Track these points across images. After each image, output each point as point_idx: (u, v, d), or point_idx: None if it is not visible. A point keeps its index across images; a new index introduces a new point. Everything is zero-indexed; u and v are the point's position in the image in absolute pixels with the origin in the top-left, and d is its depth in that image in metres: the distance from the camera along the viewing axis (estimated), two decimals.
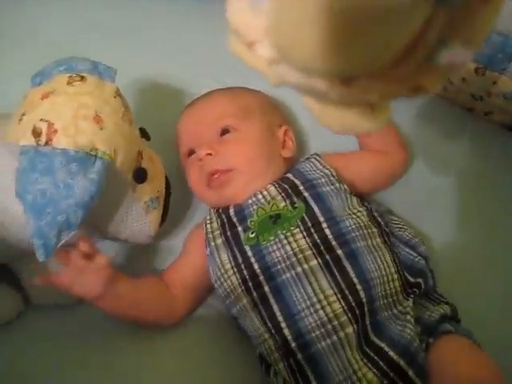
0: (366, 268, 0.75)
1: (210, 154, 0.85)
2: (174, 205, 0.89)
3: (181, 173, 0.94)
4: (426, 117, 1.04)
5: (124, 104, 0.77)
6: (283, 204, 0.80)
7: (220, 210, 0.85)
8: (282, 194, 0.81)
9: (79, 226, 0.69)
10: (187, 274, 0.85)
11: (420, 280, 0.80)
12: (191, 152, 0.89)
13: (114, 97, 0.76)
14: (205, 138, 0.87)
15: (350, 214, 0.79)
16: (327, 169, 0.85)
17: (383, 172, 0.92)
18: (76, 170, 0.68)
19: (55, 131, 0.69)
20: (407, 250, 0.82)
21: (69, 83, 0.73)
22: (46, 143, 0.68)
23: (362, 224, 0.79)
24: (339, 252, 0.75)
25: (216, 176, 0.85)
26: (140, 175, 0.78)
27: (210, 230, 0.84)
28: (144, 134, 0.82)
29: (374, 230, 0.80)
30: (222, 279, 0.80)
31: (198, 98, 0.96)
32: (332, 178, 0.83)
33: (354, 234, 0.77)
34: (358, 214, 0.80)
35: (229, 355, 0.86)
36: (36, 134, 0.69)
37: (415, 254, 0.82)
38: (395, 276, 0.77)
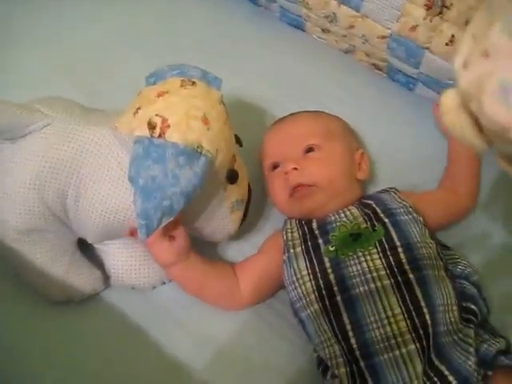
0: (433, 295, 0.80)
1: (295, 169, 0.92)
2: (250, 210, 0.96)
3: (257, 183, 1.00)
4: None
5: (226, 111, 0.85)
6: (364, 225, 0.86)
7: (303, 222, 0.92)
8: (364, 217, 0.88)
9: (179, 213, 0.76)
10: (258, 271, 0.92)
11: (474, 307, 0.85)
12: (276, 165, 0.96)
13: (219, 103, 0.83)
14: (291, 154, 0.94)
15: (423, 243, 0.85)
16: (405, 201, 0.90)
17: (451, 210, 0.97)
18: (183, 162, 0.75)
19: (168, 126, 0.76)
20: (460, 281, 0.87)
21: (182, 86, 0.81)
22: (159, 136, 0.75)
23: (432, 255, 0.84)
24: (411, 276, 0.81)
25: (299, 189, 0.91)
26: (232, 176, 0.85)
27: (290, 238, 0.90)
28: (238, 140, 0.89)
29: (440, 262, 0.85)
30: (297, 284, 0.85)
31: (284, 117, 1.04)
32: (410, 209, 0.89)
33: (425, 262, 0.82)
34: (430, 244, 0.85)
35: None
36: (151, 126, 0.76)
37: (467, 283, 0.87)
38: (455, 307, 0.82)
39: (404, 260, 0.82)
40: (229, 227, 0.91)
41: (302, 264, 0.86)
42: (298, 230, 0.91)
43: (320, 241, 0.87)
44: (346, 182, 0.94)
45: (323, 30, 1.16)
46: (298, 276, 0.85)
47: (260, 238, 1.00)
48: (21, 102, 0.86)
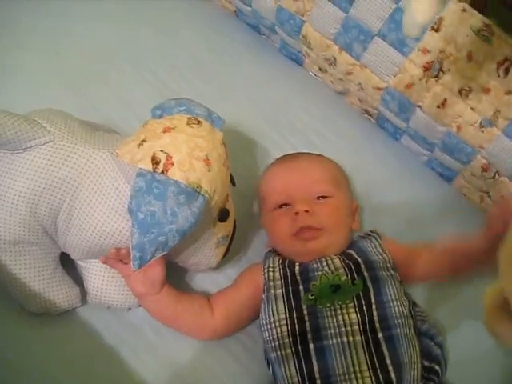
0: (400, 353, 0.84)
1: (307, 211, 0.95)
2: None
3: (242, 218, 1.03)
4: None
5: (226, 152, 0.88)
6: (345, 278, 0.88)
7: (286, 263, 0.95)
8: (346, 268, 0.91)
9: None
10: (234, 304, 0.95)
11: (437, 367, 0.90)
12: (283, 205, 0.98)
13: (221, 144, 0.86)
14: (302, 197, 0.97)
15: (397, 302, 0.89)
16: (386, 254, 0.95)
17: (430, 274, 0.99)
18: (183, 201, 0.78)
19: (172, 163, 0.79)
20: (426, 340, 0.92)
21: (188, 124, 0.84)
22: (162, 172, 0.78)
23: (404, 313, 0.88)
24: (380, 335, 0.84)
25: (306, 230, 0.94)
26: (224, 215, 0.88)
27: (271, 277, 0.93)
28: (232, 179, 0.93)
29: (411, 321, 0.90)
30: (273, 325, 0.89)
31: (287, 157, 1.07)
32: (388, 265, 0.93)
33: (396, 321, 0.85)
34: (404, 302, 0.90)
35: None
36: (155, 161, 0.78)
37: (432, 343, 0.92)
38: (419, 365, 0.87)
39: (376, 318, 0.84)
40: (212, 260, 0.94)
41: (281, 307, 0.89)
42: (280, 270, 0.94)
43: (301, 287, 0.90)
44: (346, 230, 0.99)
45: (320, 69, 1.20)
46: (276, 318, 0.89)
47: (235, 270, 1.03)
48: (19, 106, 0.89)
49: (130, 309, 0.97)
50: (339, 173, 1.07)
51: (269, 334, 0.89)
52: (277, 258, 0.97)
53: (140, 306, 0.97)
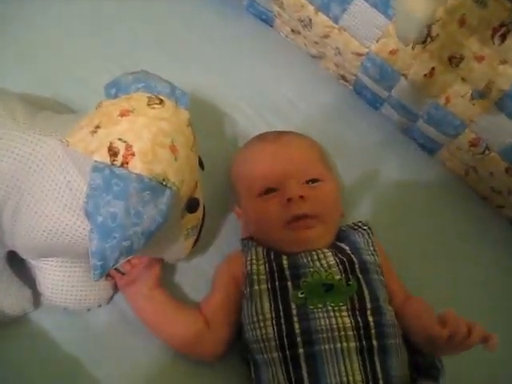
0: (391, 365, 0.78)
1: (302, 197, 0.86)
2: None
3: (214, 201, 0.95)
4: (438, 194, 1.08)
5: (194, 134, 0.77)
6: (338, 277, 0.81)
7: (272, 255, 0.86)
8: (340, 267, 0.83)
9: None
10: (225, 309, 0.87)
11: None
12: (270, 190, 0.89)
13: (187, 125, 0.76)
14: (294, 181, 0.87)
15: (387, 308, 0.83)
16: (377, 255, 0.88)
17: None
18: (148, 198, 0.67)
19: (133, 154, 0.68)
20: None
21: (149, 104, 0.73)
22: (122, 165, 0.67)
23: (394, 322, 0.82)
24: (374, 343, 0.77)
25: (302, 219, 0.86)
26: (193, 205, 0.78)
27: (255, 271, 0.84)
28: (200, 163, 0.83)
29: (398, 330, 0.82)
30: (257, 325, 0.81)
31: (270, 136, 0.96)
32: (378, 269, 0.86)
33: (389, 330, 0.79)
34: (392, 311, 0.83)
35: None
36: (112, 152, 0.67)
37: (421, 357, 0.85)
38: (408, 378, 0.81)
39: (372, 324, 0.78)
40: (181, 252, 0.85)
41: (266, 305, 0.81)
42: (265, 263, 0.85)
43: (289, 283, 0.81)
44: (338, 219, 0.92)
45: (293, 31, 1.09)
46: (260, 317, 0.81)
47: (205, 258, 0.96)
48: None
49: (89, 310, 0.88)
50: (323, 152, 0.98)
51: (252, 334, 0.81)
52: (260, 249, 0.88)
53: (100, 305, 0.88)
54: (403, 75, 0.92)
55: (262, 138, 0.97)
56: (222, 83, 1.08)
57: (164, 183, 0.69)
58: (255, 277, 0.84)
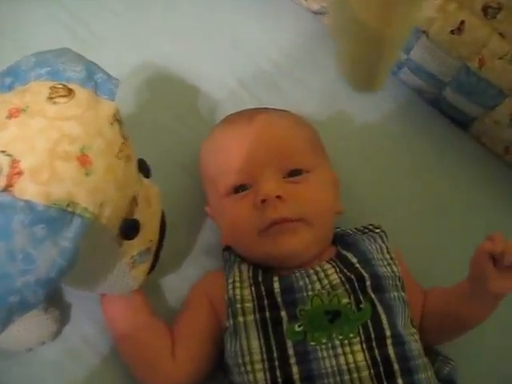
0: None
1: (279, 197, 0.66)
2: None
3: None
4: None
5: (122, 133, 0.57)
6: (346, 300, 0.64)
7: (259, 276, 0.67)
8: (347, 286, 0.64)
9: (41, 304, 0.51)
10: (195, 338, 0.69)
11: None
12: (240, 187, 0.70)
13: (111, 123, 0.55)
14: (269, 175, 0.68)
15: (411, 335, 0.64)
16: (395, 265, 0.68)
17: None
18: (43, 234, 0.48)
19: (20, 173, 0.48)
20: None
21: (50, 98, 0.53)
22: (5, 189, 0.48)
23: (420, 350, 0.63)
24: (399, 382, 0.60)
25: (279, 225, 0.67)
26: (130, 229, 0.59)
27: (238, 297, 0.65)
28: (143, 168, 0.62)
29: (426, 358, 0.64)
30: (244, 369, 0.62)
31: (241, 116, 0.75)
32: (398, 283, 0.67)
33: (416, 362, 0.62)
34: (416, 336, 0.65)
35: None
36: None
37: None
38: None
39: (393, 356, 0.61)
40: (130, 285, 0.65)
41: (255, 343, 0.63)
42: (250, 286, 0.66)
43: (283, 313, 0.63)
44: (332, 219, 0.72)
45: None
46: (247, 359, 0.62)
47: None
48: None
49: (29, 350, 0.71)
50: (314, 135, 0.77)
51: (239, 379, 0.63)
52: (245, 267, 0.69)
53: (43, 343, 0.71)
54: (424, 32, 0.75)
55: (233, 119, 0.76)
56: (201, 48, 0.89)
57: (70, 210, 0.49)
58: (239, 305, 0.65)
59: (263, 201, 0.66)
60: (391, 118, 0.87)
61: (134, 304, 0.70)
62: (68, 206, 0.49)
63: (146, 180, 0.64)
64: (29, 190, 0.48)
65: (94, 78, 0.56)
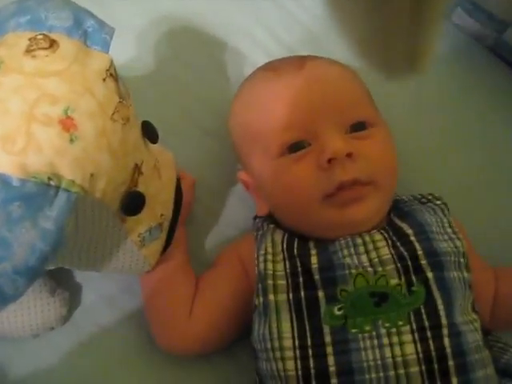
0: None
1: (350, 155, 0.57)
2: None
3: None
4: None
5: (118, 90, 0.48)
6: (396, 281, 0.54)
7: (295, 247, 0.58)
8: (398, 264, 0.55)
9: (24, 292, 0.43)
10: (218, 305, 0.62)
11: None
12: (296, 145, 0.59)
13: (104, 79, 0.46)
14: (331, 131, 0.58)
15: (468, 323, 0.54)
16: (459, 240, 0.58)
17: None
18: (19, 214, 0.40)
19: None
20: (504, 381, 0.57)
21: (28, 51, 0.44)
22: None
23: (480, 342, 0.54)
24: (454, 381, 0.51)
25: (349, 189, 0.57)
26: (133, 204, 0.50)
27: (270, 272, 0.57)
28: (148, 132, 0.53)
29: (487, 351, 0.55)
30: (273, 355, 0.54)
31: (285, 64, 0.65)
32: (462, 260, 0.57)
33: (474, 357, 0.53)
34: (475, 324, 0.55)
35: None
36: None
37: None
38: None
39: (448, 349, 0.52)
40: (142, 265, 0.58)
41: (287, 326, 0.54)
42: (284, 260, 0.58)
43: (320, 293, 0.55)
44: (395, 181, 0.63)
45: None
46: (276, 345, 0.54)
47: None
48: None
49: (37, 336, 0.65)
50: (365, 85, 0.66)
51: (266, 366, 0.56)
52: (279, 236, 0.60)
53: (52, 328, 0.64)
54: None
55: (276, 66, 0.65)
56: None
57: (53, 183, 0.41)
58: (270, 281, 0.57)
59: (330, 160, 0.56)
60: (444, 69, 0.75)
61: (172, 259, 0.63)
62: (50, 179, 0.41)
63: (154, 146, 0.56)
64: (1, 161, 0.40)
65: (84, 26, 0.47)
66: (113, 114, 0.46)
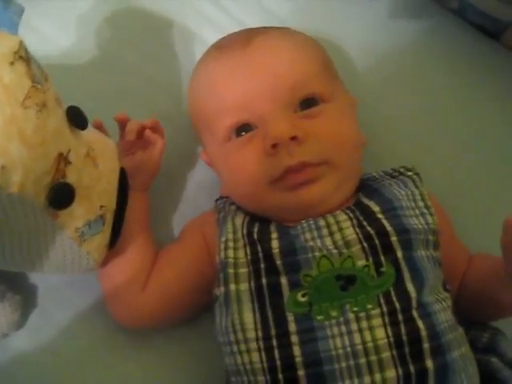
0: None
1: (295, 138, 0.53)
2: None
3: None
4: None
5: (31, 74, 0.44)
6: (363, 262, 0.51)
7: (255, 231, 0.55)
8: (364, 244, 0.52)
9: None
10: (173, 279, 0.60)
11: None
12: (243, 128, 0.57)
13: (11, 62, 0.42)
14: (277, 112, 0.55)
15: (439, 302, 0.52)
16: (431, 215, 0.55)
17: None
18: None
19: None
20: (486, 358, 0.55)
21: None
22: None
23: (452, 321, 0.51)
24: (429, 365, 0.48)
25: (298, 173, 0.54)
26: (60, 197, 0.46)
27: (231, 260, 0.54)
28: (75, 118, 0.49)
29: (460, 329, 0.52)
30: (237, 348, 0.51)
31: (235, 39, 0.61)
32: (430, 238, 0.54)
33: (448, 337, 0.50)
34: (447, 301, 0.52)
35: None
36: None
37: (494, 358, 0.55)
38: None
39: (423, 333, 0.49)
40: (84, 262, 0.54)
41: (249, 317, 0.51)
42: (245, 246, 0.54)
43: (283, 280, 0.52)
44: (359, 154, 0.59)
45: None
46: (240, 337, 0.51)
47: None
48: None
49: (6, 335, 0.62)
50: (325, 55, 0.62)
51: (230, 360, 0.53)
52: (239, 220, 0.57)
53: (6, 336, 0.61)
54: None
55: (223, 44, 0.62)
56: None
57: None
58: (231, 270, 0.54)
59: (274, 145, 0.53)
60: (413, 34, 0.72)
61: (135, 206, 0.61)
62: None
63: (88, 133, 0.52)
64: None
65: None
66: (24, 99, 0.42)
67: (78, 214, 0.50)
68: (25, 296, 0.63)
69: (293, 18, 0.71)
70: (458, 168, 0.68)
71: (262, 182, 0.55)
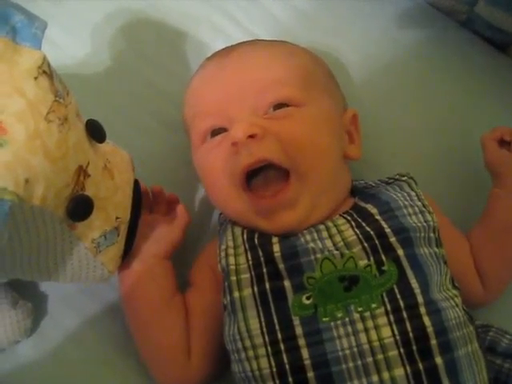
0: None
1: (253, 136, 0.54)
2: None
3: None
4: None
5: (54, 88, 0.45)
6: (365, 262, 0.52)
7: (255, 237, 0.56)
8: (365, 244, 0.53)
9: None
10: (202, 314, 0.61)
11: None
12: (217, 132, 0.59)
13: (36, 77, 0.43)
14: (243, 115, 0.56)
15: (447, 299, 0.52)
16: (430, 213, 0.56)
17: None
18: None
19: None
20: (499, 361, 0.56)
21: None
22: None
23: (461, 318, 0.52)
24: (438, 361, 0.49)
25: (271, 198, 0.56)
26: (79, 209, 0.47)
27: (232, 267, 0.55)
28: (93, 131, 0.50)
29: (471, 327, 0.53)
30: (244, 355, 0.52)
31: (221, 51, 0.64)
32: (432, 235, 0.55)
33: (456, 334, 0.50)
34: (456, 299, 0.53)
35: None
36: None
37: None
38: None
39: (430, 329, 0.49)
40: (99, 273, 0.55)
41: (254, 323, 0.52)
42: (246, 252, 0.55)
43: (287, 284, 0.52)
44: (335, 163, 0.59)
45: None
46: (248, 344, 0.52)
47: None
48: None
49: (3, 350, 0.63)
50: (314, 65, 0.63)
51: (239, 368, 0.53)
52: (239, 229, 0.58)
53: (18, 342, 0.62)
54: None
55: (213, 54, 0.65)
56: None
57: None
58: (233, 277, 0.54)
59: (234, 143, 0.54)
60: (419, 45, 0.73)
61: (154, 276, 0.60)
62: None
63: (104, 146, 0.53)
64: None
65: (11, 22, 0.44)
66: (47, 113, 0.43)
67: (95, 226, 0.50)
68: (36, 303, 0.63)
69: (302, 30, 0.72)
70: (462, 179, 0.69)
71: (226, 183, 0.56)
